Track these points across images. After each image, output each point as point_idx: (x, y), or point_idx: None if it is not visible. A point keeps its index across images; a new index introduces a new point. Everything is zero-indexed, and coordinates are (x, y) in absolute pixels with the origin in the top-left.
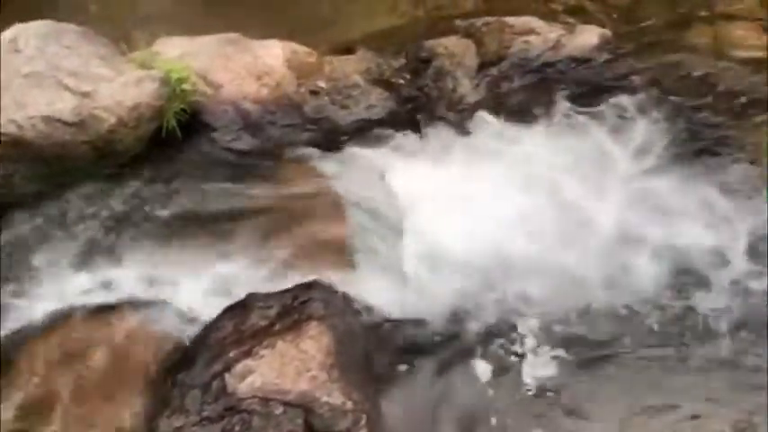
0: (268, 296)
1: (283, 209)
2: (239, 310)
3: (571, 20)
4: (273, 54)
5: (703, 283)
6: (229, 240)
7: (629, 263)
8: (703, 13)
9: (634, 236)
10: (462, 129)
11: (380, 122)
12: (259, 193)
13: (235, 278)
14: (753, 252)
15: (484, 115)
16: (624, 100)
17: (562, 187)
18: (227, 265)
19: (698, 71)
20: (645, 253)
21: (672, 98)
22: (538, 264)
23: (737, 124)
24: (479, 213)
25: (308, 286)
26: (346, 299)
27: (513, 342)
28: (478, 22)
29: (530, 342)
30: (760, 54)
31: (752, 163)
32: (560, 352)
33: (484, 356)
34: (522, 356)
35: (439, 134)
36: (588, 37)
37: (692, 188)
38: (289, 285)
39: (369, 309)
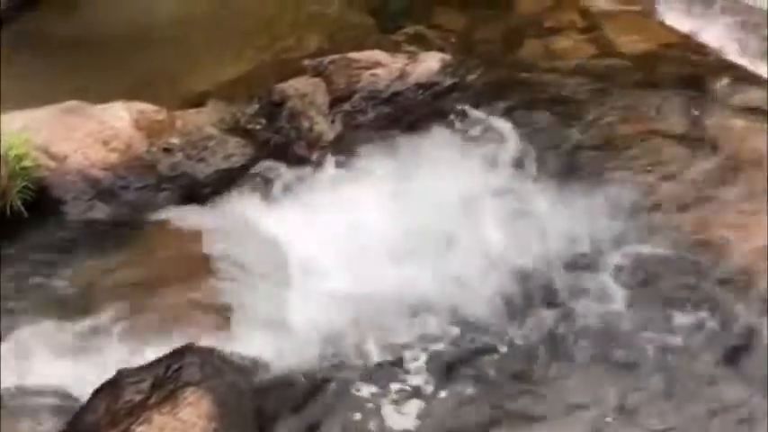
0: (139, 369)
1: (148, 274)
2: (110, 388)
3: (413, 48)
4: (119, 116)
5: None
6: (94, 318)
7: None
8: (533, 30)
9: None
10: (325, 167)
11: (241, 171)
12: (120, 262)
13: (107, 356)
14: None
15: (345, 151)
16: (470, 116)
17: (428, 217)
18: (97, 343)
19: (532, 83)
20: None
21: (512, 110)
22: (419, 298)
23: (569, 126)
24: (354, 253)
25: (181, 352)
26: (224, 358)
27: (400, 380)
28: (325, 60)
29: (416, 379)
30: (583, 61)
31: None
32: (445, 388)
33: (374, 396)
34: (408, 393)
35: (302, 175)
36: (430, 63)
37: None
38: (161, 355)
39: (253, 363)
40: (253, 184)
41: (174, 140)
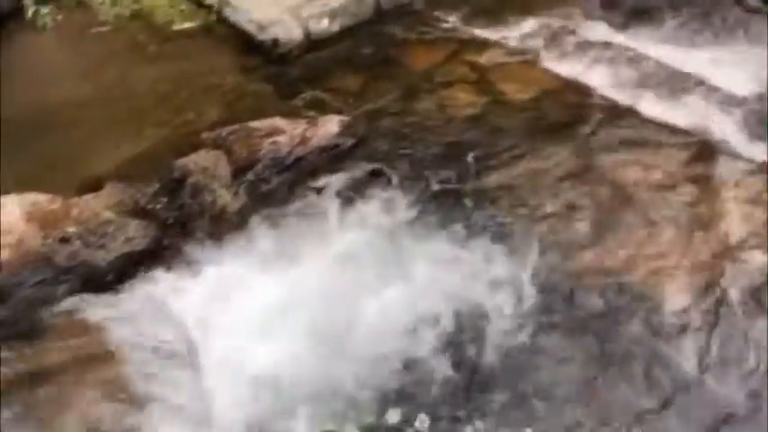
0: None
1: (51, 372)
2: None
3: (312, 112)
4: (9, 211)
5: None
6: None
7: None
8: (427, 85)
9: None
10: (232, 241)
11: (144, 253)
12: (18, 363)
13: None
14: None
15: (251, 222)
16: (372, 174)
17: (337, 287)
18: None
19: (430, 136)
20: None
21: (413, 164)
22: (336, 377)
23: (468, 176)
24: (270, 332)
25: None
26: None
27: None
28: (224, 131)
29: None
30: (477, 112)
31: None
32: None
33: None
34: None
35: (209, 251)
36: (330, 126)
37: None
38: None
39: None
40: (157, 266)
41: (71, 229)
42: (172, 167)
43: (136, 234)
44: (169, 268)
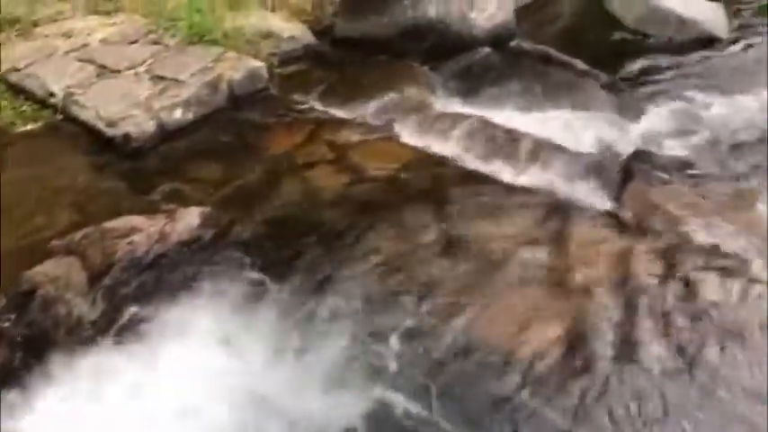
0: None
1: None
2: None
3: (171, 206)
4: None
5: None
6: None
7: None
8: (288, 167)
9: None
10: (89, 356)
11: None
12: None
13: None
14: None
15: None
16: (235, 269)
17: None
18: None
19: (295, 219)
20: None
21: (279, 249)
22: None
23: (334, 259)
24: None
25: None
26: None
27: None
28: (77, 236)
29: None
30: (339, 191)
31: None
32: None
33: None
34: None
35: (63, 371)
36: (190, 219)
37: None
38: None
39: None
40: (7, 392)
41: None
42: (20, 280)
43: None
44: (21, 393)
